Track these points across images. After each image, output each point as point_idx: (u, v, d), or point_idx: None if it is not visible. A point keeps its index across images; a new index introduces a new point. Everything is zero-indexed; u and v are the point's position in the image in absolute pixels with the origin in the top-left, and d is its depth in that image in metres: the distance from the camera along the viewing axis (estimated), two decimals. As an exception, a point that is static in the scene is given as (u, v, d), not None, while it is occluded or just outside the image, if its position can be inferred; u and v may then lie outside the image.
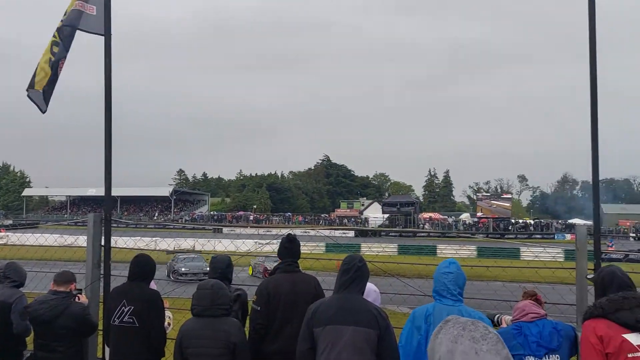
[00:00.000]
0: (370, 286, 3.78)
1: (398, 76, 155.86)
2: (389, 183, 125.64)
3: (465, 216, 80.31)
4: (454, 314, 1.83)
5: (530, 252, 32.44)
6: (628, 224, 68.24)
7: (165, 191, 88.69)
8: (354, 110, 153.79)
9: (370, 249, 38.05)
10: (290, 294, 3.89)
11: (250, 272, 25.77)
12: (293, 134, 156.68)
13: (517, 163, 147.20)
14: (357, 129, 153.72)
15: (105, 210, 4.96)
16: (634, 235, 61.22)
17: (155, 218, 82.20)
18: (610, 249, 42.69)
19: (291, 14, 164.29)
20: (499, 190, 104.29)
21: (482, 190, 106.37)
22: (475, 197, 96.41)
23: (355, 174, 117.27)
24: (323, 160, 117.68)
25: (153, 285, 4.47)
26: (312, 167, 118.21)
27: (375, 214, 78.27)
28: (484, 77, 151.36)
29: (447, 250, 35.72)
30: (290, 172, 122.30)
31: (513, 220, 72.60)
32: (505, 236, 61.94)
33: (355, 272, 3.30)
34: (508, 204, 75.45)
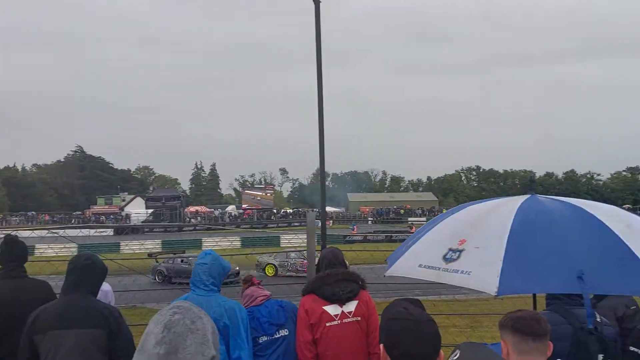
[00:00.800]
0: (102, 286, 3.57)
1: (164, 66, 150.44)
2: (153, 177, 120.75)
3: (231, 208, 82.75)
4: (200, 303, 1.86)
5: (288, 239, 35.29)
6: (367, 210, 79.91)
7: None
8: (113, 99, 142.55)
9: (129, 247, 36.04)
10: (10, 302, 3.42)
11: None
12: (38, 122, 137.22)
13: (280, 156, 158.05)
14: (116, 120, 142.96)
15: None
16: (372, 219, 71.93)
17: None
18: (353, 232, 49.38)
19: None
20: (263, 182, 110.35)
21: (247, 183, 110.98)
22: (240, 190, 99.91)
23: (115, 167, 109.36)
24: (76, 151, 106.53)
25: None
26: (62, 160, 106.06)
27: (137, 210, 74.63)
28: (256, 74, 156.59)
29: (212, 243, 36.13)
30: (34, 165, 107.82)
31: (275, 210, 77.78)
32: (268, 225, 66.13)
33: (81, 272, 3.09)
34: (270, 195, 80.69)
